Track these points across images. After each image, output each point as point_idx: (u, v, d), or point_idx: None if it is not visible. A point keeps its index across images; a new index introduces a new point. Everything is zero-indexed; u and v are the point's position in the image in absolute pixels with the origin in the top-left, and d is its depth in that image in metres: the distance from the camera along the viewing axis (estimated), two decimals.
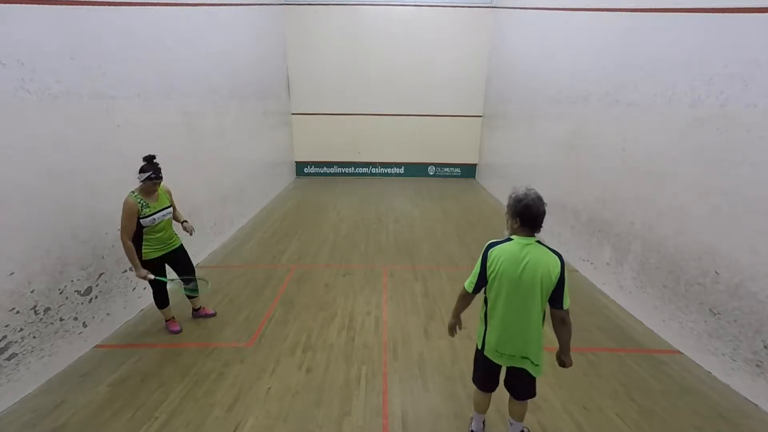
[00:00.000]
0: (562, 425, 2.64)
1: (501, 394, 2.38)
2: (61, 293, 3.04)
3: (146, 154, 3.10)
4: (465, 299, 2.20)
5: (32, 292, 2.81)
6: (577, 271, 5.01)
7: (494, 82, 9.58)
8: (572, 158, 5.31)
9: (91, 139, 3.29)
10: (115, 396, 2.84)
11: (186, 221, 3.52)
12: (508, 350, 2.10)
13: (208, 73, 5.44)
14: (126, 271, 3.66)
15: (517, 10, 8.00)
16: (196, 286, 3.64)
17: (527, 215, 1.93)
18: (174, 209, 3.44)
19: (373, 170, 11.17)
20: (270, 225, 6.84)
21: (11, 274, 2.66)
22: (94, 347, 3.35)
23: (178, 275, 3.53)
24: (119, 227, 3.10)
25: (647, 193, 3.85)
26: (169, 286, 3.45)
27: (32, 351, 2.83)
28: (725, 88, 3.05)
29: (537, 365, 2.09)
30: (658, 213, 3.72)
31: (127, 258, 3.18)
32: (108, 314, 3.52)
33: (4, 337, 2.64)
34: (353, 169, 11.14)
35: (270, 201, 8.42)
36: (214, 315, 3.89)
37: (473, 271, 2.11)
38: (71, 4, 3.13)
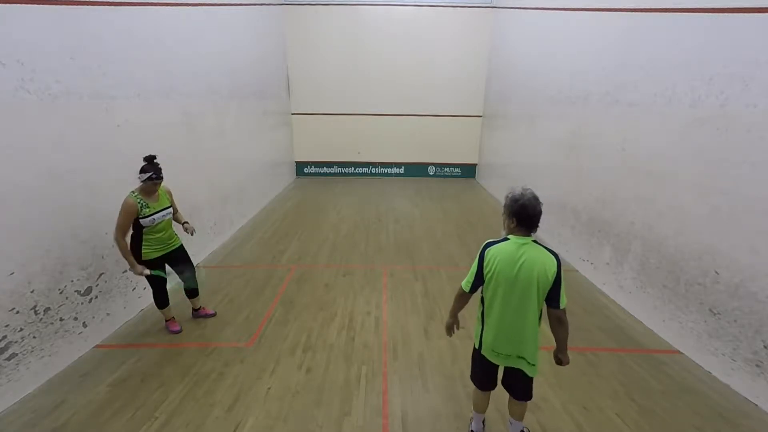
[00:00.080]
0: (562, 425, 2.64)
1: (501, 393, 2.39)
2: (61, 293, 3.04)
3: (146, 154, 3.10)
4: (462, 299, 2.21)
5: (32, 292, 2.81)
6: (577, 271, 5.01)
7: (494, 82, 9.58)
8: (572, 158, 5.31)
9: (91, 139, 3.29)
10: (115, 396, 2.84)
11: (187, 222, 3.52)
12: (504, 349, 2.11)
13: (208, 73, 5.44)
14: (126, 271, 3.66)
15: (517, 10, 7.99)
16: (193, 275, 3.61)
17: (524, 215, 1.95)
18: (175, 210, 3.44)
19: (373, 170, 11.16)
20: (270, 225, 6.84)
21: (11, 274, 2.66)
22: (94, 347, 3.36)
23: (179, 275, 3.53)
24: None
25: (647, 193, 3.86)
26: (169, 286, 3.44)
27: (32, 351, 2.83)
28: (725, 88, 3.05)
29: (533, 365, 2.10)
30: (658, 213, 3.72)
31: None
32: (108, 314, 3.52)
33: (4, 337, 2.64)
34: (353, 169, 11.14)
35: (270, 201, 8.42)
36: (214, 315, 3.89)
37: (470, 271, 2.12)
38: (71, 4, 3.13)
